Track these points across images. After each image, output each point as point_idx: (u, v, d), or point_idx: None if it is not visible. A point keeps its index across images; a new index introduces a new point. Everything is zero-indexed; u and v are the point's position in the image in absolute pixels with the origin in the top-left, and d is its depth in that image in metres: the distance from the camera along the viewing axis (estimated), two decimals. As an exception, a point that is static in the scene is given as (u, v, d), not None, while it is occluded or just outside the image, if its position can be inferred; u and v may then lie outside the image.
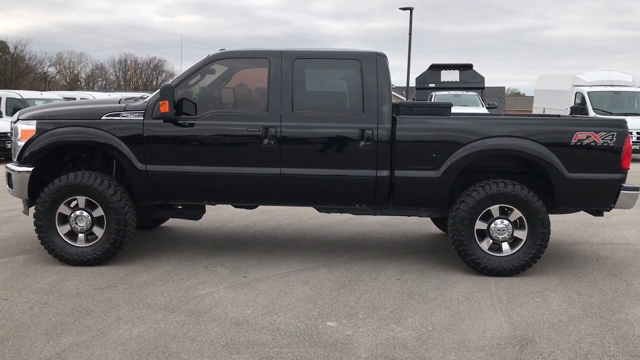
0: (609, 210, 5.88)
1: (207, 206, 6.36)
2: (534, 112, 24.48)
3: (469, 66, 25.72)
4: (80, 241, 5.77)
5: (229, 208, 8.13)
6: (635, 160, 14.08)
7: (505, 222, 5.63)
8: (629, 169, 5.68)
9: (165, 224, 7.70)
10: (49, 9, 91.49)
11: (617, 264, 6.20)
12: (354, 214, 6.29)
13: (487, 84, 26.76)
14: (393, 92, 6.23)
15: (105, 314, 4.53)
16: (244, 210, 8.22)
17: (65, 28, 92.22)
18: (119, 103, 5.93)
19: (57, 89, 49.54)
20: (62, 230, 5.76)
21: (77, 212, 5.73)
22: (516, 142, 5.55)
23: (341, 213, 6.20)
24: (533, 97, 27.38)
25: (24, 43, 67.69)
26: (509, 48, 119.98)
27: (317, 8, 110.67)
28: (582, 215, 6.77)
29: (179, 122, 5.67)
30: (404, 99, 33.86)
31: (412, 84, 28.44)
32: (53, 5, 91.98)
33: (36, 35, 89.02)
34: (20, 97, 17.03)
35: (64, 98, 19.10)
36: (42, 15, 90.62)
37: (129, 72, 70.28)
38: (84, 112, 5.90)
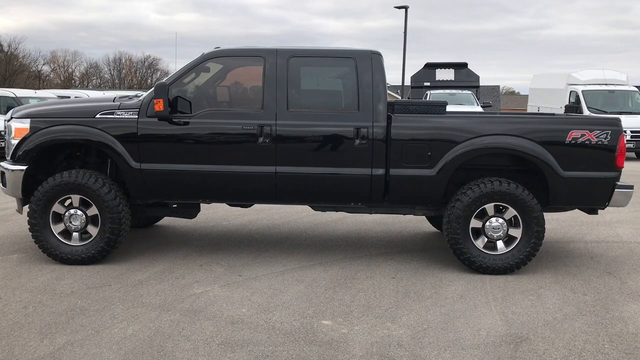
0: (603, 209, 5.89)
1: (202, 205, 6.34)
2: (529, 110, 24.56)
3: (464, 65, 25.78)
4: (75, 240, 5.75)
5: (223, 206, 8.13)
6: (629, 159, 14.13)
7: (500, 220, 5.64)
8: (623, 167, 5.70)
9: (160, 222, 7.68)
10: (47, 6, 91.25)
11: (611, 262, 6.22)
12: (349, 213, 6.29)
13: (482, 83, 26.83)
14: (388, 91, 6.22)
15: (100, 313, 4.51)
16: (239, 208, 8.18)
17: (62, 26, 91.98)
18: (114, 101, 5.91)
19: (51, 88, 49.32)
20: (56, 229, 5.73)
21: (72, 211, 5.71)
22: (511, 140, 5.56)
23: (336, 211, 6.20)
24: (528, 95, 27.44)
25: (18, 41, 67.54)
26: (506, 47, 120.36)
27: (314, 6, 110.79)
28: (576, 214, 6.80)
29: (173, 120, 5.65)
30: (399, 97, 33.90)
31: (408, 82, 28.47)
32: (51, 3, 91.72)
33: (33, 33, 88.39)
34: (14, 96, 16.93)
35: (58, 96, 19.01)
36: (40, 13, 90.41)
37: (123, 71, 70.09)
38: (78, 110, 5.88)
